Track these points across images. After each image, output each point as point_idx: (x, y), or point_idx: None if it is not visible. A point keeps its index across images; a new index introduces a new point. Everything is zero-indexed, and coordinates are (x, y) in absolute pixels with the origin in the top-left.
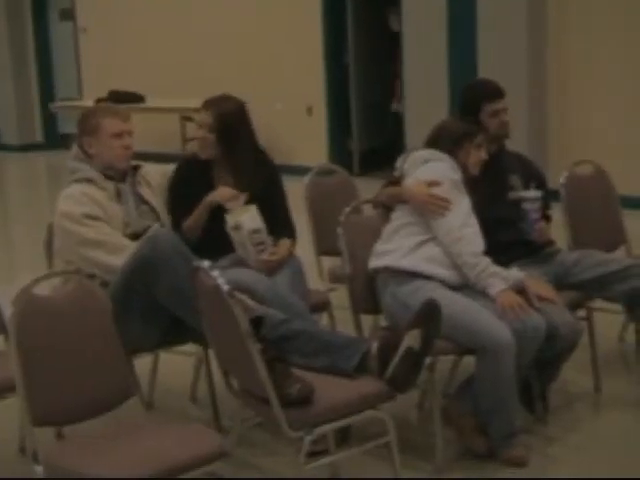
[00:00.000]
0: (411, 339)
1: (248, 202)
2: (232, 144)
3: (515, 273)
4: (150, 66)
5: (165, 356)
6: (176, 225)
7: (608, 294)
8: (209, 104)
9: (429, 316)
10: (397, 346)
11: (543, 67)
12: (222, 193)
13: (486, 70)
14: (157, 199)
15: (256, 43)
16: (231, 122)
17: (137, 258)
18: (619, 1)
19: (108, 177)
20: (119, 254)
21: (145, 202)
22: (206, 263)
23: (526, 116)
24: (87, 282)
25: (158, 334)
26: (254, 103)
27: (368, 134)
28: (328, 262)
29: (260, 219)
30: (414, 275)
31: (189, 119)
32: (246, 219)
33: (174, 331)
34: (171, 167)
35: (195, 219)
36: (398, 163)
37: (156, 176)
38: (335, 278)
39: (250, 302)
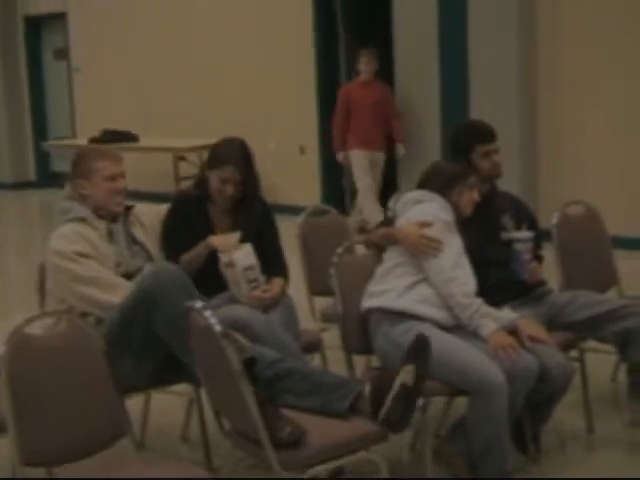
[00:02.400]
0: (405, 375)
1: (242, 240)
2: (253, 192)
3: (507, 314)
4: (144, 105)
5: (157, 396)
6: (171, 261)
7: (600, 335)
8: (235, 161)
9: (420, 350)
10: (390, 387)
11: (535, 107)
12: (223, 243)
13: (478, 111)
14: (150, 239)
15: (249, 83)
16: (253, 171)
17: (140, 290)
18: (609, 37)
19: (100, 217)
20: (113, 291)
21: (137, 242)
22: (199, 303)
23: (518, 156)
24: (79, 321)
25: (152, 373)
26: (247, 142)
27: None
28: (320, 302)
29: (254, 257)
30: (406, 316)
31: (182, 158)
32: (240, 256)
33: (167, 370)
34: (164, 207)
35: (193, 258)
36: (390, 203)
37: (149, 216)
38: (327, 318)
39: (244, 341)
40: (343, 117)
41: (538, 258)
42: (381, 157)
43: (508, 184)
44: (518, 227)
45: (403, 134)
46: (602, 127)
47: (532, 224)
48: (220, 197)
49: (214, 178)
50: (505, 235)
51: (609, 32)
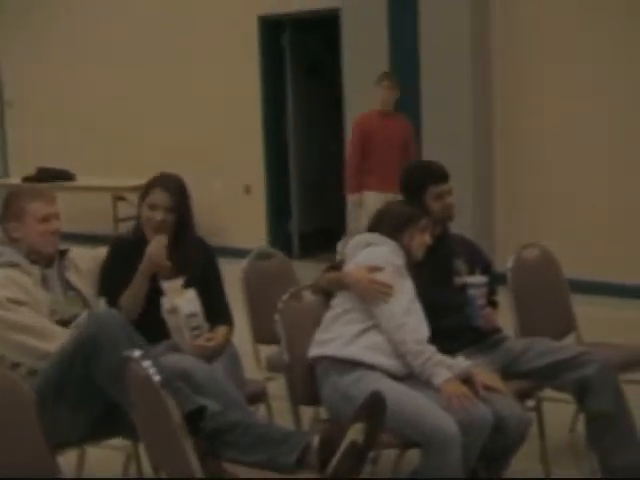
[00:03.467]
0: (354, 433)
1: (185, 286)
2: (186, 224)
3: (461, 362)
4: (81, 143)
5: (92, 451)
6: (112, 305)
7: (558, 383)
8: (164, 184)
9: (374, 409)
10: (339, 440)
11: (490, 145)
12: (155, 251)
13: (430, 148)
14: (86, 285)
15: (192, 119)
16: (186, 201)
17: (79, 336)
18: (569, 74)
19: (34, 262)
20: (49, 339)
21: (73, 288)
22: (137, 352)
23: (472, 197)
24: (9, 374)
25: (87, 426)
26: (189, 181)
27: (308, 215)
28: (266, 350)
29: (198, 303)
30: (356, 364)
31: (122, 198)
32: (183, 302)
33: (104, 423)
34: (101, 251)
35: (132, 292)
36: (339, 247)
37: (85, 260)
38: (273, 367)
39: (187, 392)
40: (360, 152)
41: (493, 303)
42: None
43: (461, 226)
44: (472, 271)
45: None
46: (562, 166)
47: (486, 268)
48: (149, 224)
49: (144, 209)
50: (458, 280)
51: (569, 68)
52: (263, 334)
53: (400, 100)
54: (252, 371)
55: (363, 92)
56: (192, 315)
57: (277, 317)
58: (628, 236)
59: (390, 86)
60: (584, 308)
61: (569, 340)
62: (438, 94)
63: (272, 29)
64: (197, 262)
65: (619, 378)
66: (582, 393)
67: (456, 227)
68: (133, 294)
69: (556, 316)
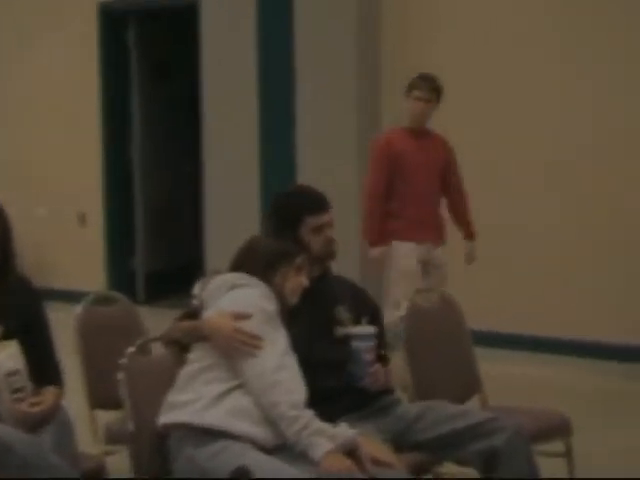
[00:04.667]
0: None
1: (4, 337)
2: (6, 261)
3: (344, 430)
4: None
5: None
6: None
7: (460, 455)
8: None
9: None
10: None
11: None
12: None
13: (306, 172)
14: None
15: (14, 132)
16: (6, 233)
17: None
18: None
19: None
20: None
21: None
22: None
23: (357, 231)
24: None
25: None
26: (10, 208)
27: (157, 251)
28: (105, 417)
29: (20, 359)
30: (216, 434)
31: None
32: (3, 358)
33: None
34: None
35: None
36: (196, 290)
37: None
38: (113, 438)
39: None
40: (385, 185)
41: (382, 359)
42: (438, 255)
43: (346, 266)
44: (357, 321)
45: (470, 218)
46: None
47: (374, 317)
48: None
49: None
50: (341, 330)
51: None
52: (102, 397)
53: (270, 115)
54: (87, 443)
55: (225, 102)
56: (13, 374)
57: (120, 376)
58: (534, 284)
59: (425, 98)
60: (490, 365)
61: (473, 403)
62: (316, 102)
63: (115, 23)
64: (19, 308)
65: (532, 449)
66: (489, 467)
67: (339, 267)
68: None
69: (458, 374)
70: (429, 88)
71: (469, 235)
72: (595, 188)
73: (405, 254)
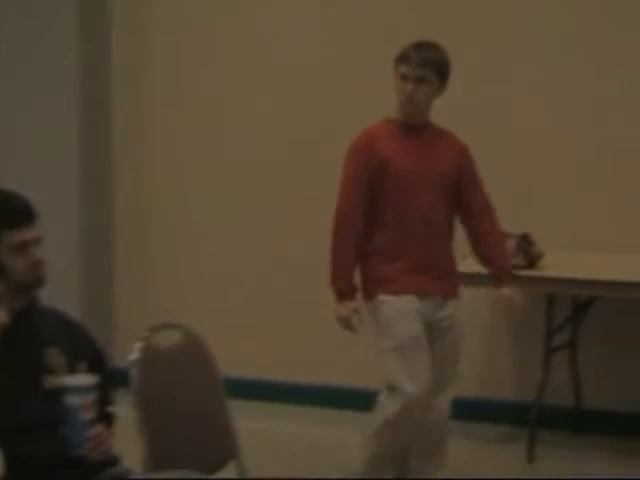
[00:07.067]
0: None
1: None
2: None
3: None
4: None
5: None
6: None
7: None
8: None
9: None
10: None
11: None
12: None
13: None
14: None
15: None
16: None
17: None
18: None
19: None
20: None
21: None
22: None
23: (78, 253)
24: None
25: None
26: None
27: None
28: None
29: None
30: None
31: None
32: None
33: None
34: None
35: None
36: None
37: None
38: None
39: None
40: (365, 207)
41: (108, 418)
42: (448, 313)
43: (61, 297)
44: (73, 368)
45: (505, 253)
46: (207, 238)
47: (97, 363)
48: None
49: None
50: (51, 381)
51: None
52: None
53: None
54: None
55: None
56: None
57: None
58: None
59: (410, 75)
60: (248, 422)
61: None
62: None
63: None
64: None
65: None
66: None
67: (52, 297)
68: None
69: (207, 435)
70: (421, 60)
71: (504, 282)
72: None
73: (399, 314)
